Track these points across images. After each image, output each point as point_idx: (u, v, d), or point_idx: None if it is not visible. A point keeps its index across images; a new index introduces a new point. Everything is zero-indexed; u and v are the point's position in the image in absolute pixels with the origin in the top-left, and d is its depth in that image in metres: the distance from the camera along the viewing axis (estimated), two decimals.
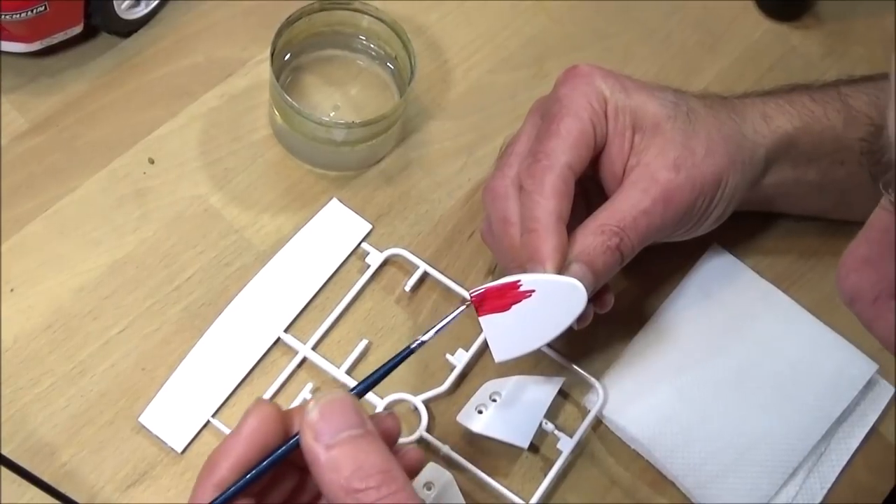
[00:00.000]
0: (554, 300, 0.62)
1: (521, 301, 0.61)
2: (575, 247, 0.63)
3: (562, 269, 0.62)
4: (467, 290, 0.66)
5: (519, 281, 0.61)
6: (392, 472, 0.51)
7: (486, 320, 0.62)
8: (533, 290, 0.61)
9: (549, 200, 0.63)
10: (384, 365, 0.58)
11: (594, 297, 0.66)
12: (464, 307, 0.61)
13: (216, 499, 0.52)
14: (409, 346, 0.58)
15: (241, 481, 0.52)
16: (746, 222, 0.76)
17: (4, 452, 0.63)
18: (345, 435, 0.51)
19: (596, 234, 0.64)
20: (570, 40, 0.83)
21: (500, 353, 0.63)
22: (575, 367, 0.71)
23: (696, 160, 0.66)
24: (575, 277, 0.62)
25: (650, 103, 0.67)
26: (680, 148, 0.66)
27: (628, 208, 0.65)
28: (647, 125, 0.67)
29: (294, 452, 0.53)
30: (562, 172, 0.64)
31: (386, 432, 0.55)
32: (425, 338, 0.59)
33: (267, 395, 0.68)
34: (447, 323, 0.60)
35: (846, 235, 0.73)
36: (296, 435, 0.53)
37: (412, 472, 0.56)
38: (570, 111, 0.66)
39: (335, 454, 0.51)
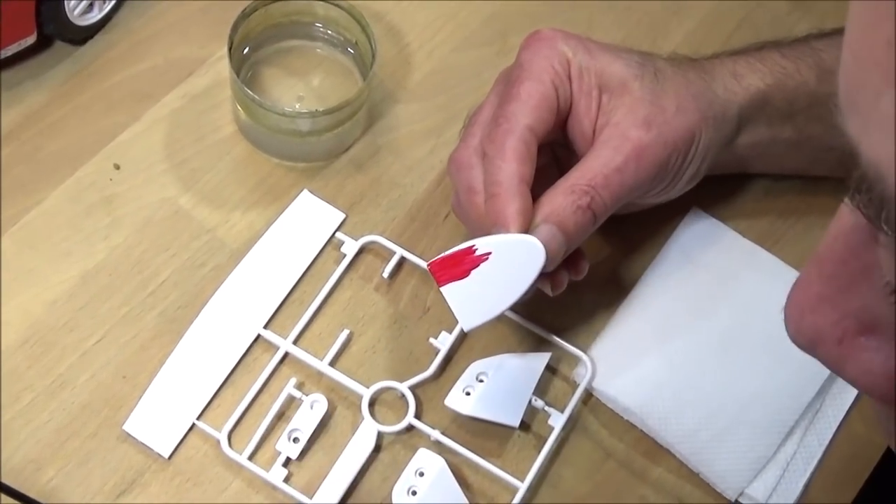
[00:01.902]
0: (512, 260, 0.61)
1: (478, 265, 0.60)
2: (543, 208, 0.62)
3: (528, 231, 0.61)
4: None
5: (474, 245, 0.60)
6: None
7: (447, 289, 0.61)
8: (489, 253, 0.60)
9: (509, 164, 0.62)
10: None
11: (568, 264, 0.65)
12: None
13: None
14: None
15: None
16: (724, 185, 0.75)
17: None
18: None
19: (566, 194, 0.63)
20: (531, 13, 0.82)
21: (466, 321, 0.62)
22: (560, 340, 0.70)
23: (666, 117, 0.65)
24: (545, 238, 0.61)
25: (615, 64, 0.66)
26: (649, 106, 0.65)
27: (599, 167, 0.64)
28: (613, 85, 0.66)
29: None
30: (522, 135, 0.63)
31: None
32: None
33: (251, 393, 0.67)
34: None
35: (825, 193, 0.72)
36: None
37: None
38: (531, 74, 0.65)
39: None
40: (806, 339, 0.39)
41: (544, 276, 0.62)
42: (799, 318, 0.39)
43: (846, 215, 0.38)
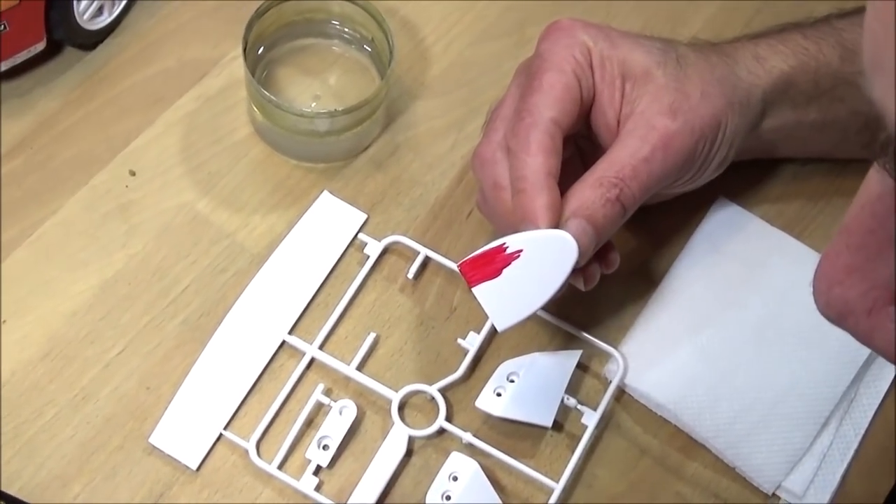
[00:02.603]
0: (544, 256, 0.59)
1: (510, 264, 0.59)
2: (571, 202, 0.61)
3: (558, 227, 0.60)
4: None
5: (504, 243, 0.59)
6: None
7: (479, 290, 0.60)
8: (521, 250, 0.59)
9: (535, 158, 0.61)
10: None
11: (599, 257, 0.64)
12: None
13: None
14: None
15: None
16: (749, 172, 0.74)
17: (13, 491, 0.62)
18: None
19: (594, 187, 0.62)
20: (549, 3, 0.81)
21: (500, 322, 0.61)
22: (591, 337, 0.69)
23: (692, 104, 0.64)
24: (575, 233, 0.60)
25: (637, 51, 0.65)
26: (674, 93, 0.64)
27: (627, 158, 0.62)
28: (636, 73, 0.65)
29: None
30: (547, 128, 0.62)
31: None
32: None
33: (278, 401, 0.66)
34: None
35: (853, 174, 0.71)
36: None
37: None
38: (552, 65, 0.64)
39: None
40: (835, 311, 0.40)
41: (576, 271, 0.61)
42: (827, 291, 0.40)
43: (873, 184, 0.37)
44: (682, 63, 0.66)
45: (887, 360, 0.40)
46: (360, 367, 0.67)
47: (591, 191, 0.62)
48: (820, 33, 0.70)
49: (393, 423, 0.65)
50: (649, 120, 0.63)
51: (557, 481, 0.65)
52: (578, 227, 0.60)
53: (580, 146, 0.69)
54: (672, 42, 0.68)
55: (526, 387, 0.66)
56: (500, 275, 0.59)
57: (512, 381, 0.66)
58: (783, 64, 0.69)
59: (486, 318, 0.67)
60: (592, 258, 0.63)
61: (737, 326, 0.70)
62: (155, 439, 0.64)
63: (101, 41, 0.76)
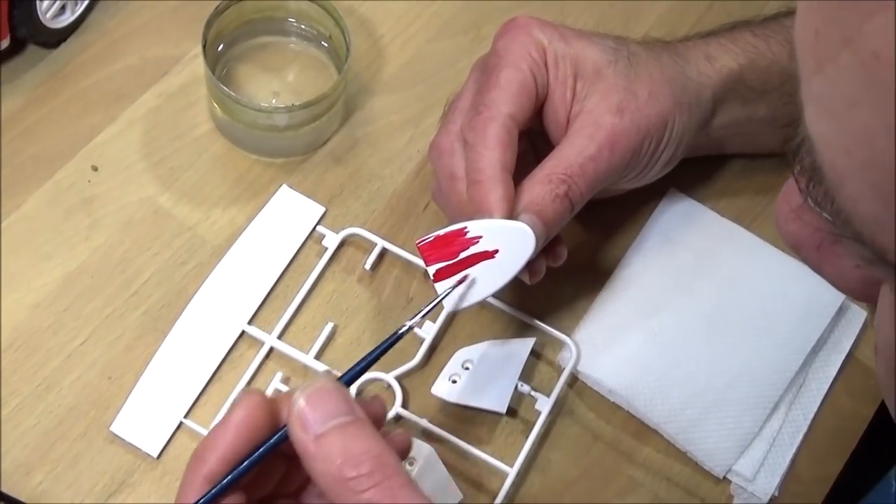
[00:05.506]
0: (502, 245, 0.60)
1: (468, 248, 0.60)
2: (523, 197, 0.63)
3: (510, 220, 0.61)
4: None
5: (465, 227, 0.60)
6: (384, 457, 0.49)
7: (434, 270, 0.61)
8: (480, 237, 0.60)
9: (492, 151, 0.62)
10: (371, 352, 0.55)
11: (546, 250, 0.65)
12: (451, 288, 0.60)
13: (206, 494, 0.50)
14: (396, 332, 0.55)
15: (232, 475, 0.50)
16: (701, 165, 0.76)
17: None
18: (334, 423, 0.49)
19: (543, 183, 0.63)
20: (504, 2, 0.82)
21: (450, 304, 0.62)
22: (545, 325, 0.70)
23: (639, 103, 0.66)
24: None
25: (590, 50, 0.67)
26: (622, 92, 0.66)
27: (574, 155, 0.64)
28: (588, 72, 0.66)
29: (283, 443, 0.51)
30: (504, 123, 0.63)
31: (372, 416, 0.53)
32: (412, 322, 0.56)
33: (238, 389, 0.67)
34: (434, 305, 0.58)
35: None
36: (284, 426, 0.51)
37: (401, 456, 0.54)
38: (510, 62, 0.65)
39: (325, 443, 0.49)
40: (789, 243, 0.43)
41: None
42: (783, 226, 0.43)
43: None
44: (633, 61, 0.67)
45: (836, 288, 0.43)
46: (318, 356, 0.68)
47: (540, 187, 0.63)
48: (769, 31, 0.72)
49: None
50: (597, 118, 0.65)
51: (512, 466, 0.66)
52: (529, 222, 0.62)
53: (534, 142, 0.70)
54: (625, 40, 0.69)
55: (481, 374, 0.67)
56: (456, 258, 0.61)
57: (467, 369, 0.67)
58: (733, 62, 0.70)
59: (442, 307, 0.69)
60: (539, 252, 0.64)
61: (688, 314, 0.71)
62: (116, 428, 0.65)
63: (65, 39, 0.77)
